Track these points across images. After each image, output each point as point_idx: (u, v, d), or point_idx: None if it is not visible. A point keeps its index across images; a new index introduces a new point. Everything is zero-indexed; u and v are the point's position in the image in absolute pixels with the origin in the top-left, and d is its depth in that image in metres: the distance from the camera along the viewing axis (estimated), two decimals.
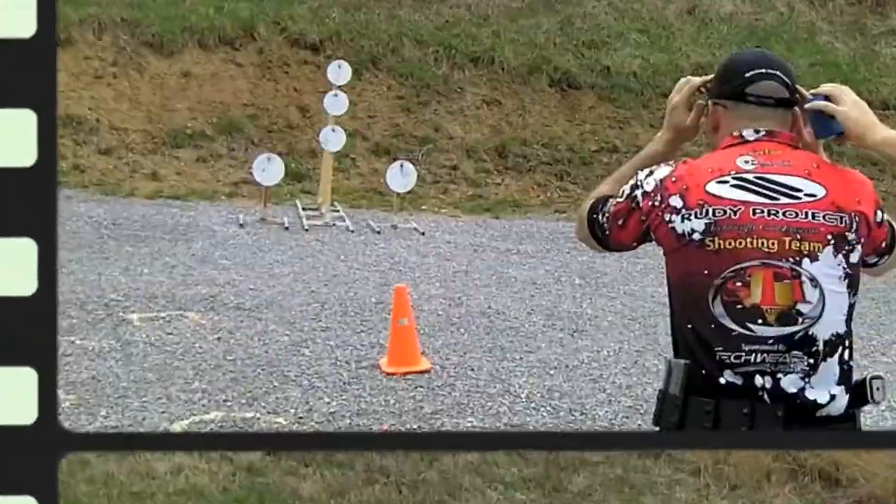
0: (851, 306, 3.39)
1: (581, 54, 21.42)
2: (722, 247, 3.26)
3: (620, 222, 3.51)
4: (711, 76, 3.69)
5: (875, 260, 3.51)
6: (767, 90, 3.46)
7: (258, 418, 7.65)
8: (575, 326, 10.61)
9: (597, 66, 21.23)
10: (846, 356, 3.37)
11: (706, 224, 3.27)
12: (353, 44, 20.44)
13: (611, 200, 3.57)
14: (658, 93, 20.57)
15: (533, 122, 20.07)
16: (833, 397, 3.30)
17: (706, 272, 3.28)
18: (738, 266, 3.26)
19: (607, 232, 3.59)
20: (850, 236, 3.32)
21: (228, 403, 7.87)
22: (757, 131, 3.43)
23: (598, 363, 9.42)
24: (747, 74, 3.47)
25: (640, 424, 7.95)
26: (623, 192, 3.53)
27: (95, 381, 8.16)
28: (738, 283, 3.25)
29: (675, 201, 3.34)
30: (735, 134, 3.45)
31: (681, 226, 3.31)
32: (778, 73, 3.49)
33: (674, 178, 3.38)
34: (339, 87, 16.25)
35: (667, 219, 3.34)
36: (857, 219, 3.34)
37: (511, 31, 21.75)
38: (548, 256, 14.14)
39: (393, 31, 21.01)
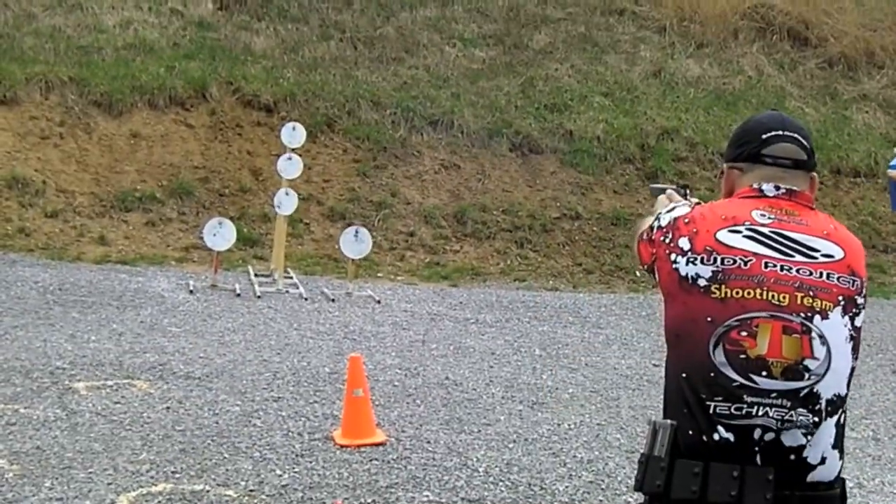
0: (852, 370, 3.35)
1: (543, 117, 21.45)
2: (728, 295, 3.23)
3: (645, 237, 3.64)
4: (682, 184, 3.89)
5: None
6: (784, 152, 3.45)
7: (208, 491, 7.40)
8: (535, 398, 10.43)
9: (559, 129, 21.26)
10: (842, 420, 3.33)
11: (713, 271, 3.26)
12: (307, 105, 20.38)
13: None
14: (622, 158, 20.65)
15: (493, 186, 20.00)
16: (824, 460, 3.24)
17: (709, 319, 3.24)
18: (744, 315, 3.22)
19: (641, 238, 3.70)
20: (860, 300, 3.32)
21: (177, 475, 7.62)
22: (777, 188, 3.42)
23: (558, 436, 9.25)
24: (764, 136, 3.46)
25: (600, 500, 7.76)
26: (652, 218, 3.66)
27: (40, 451, 7.92)
28: (744, 333, 3.21)
29: (684, 243, 3.37)
30: (754, 187, 3.44)
31: (685, 269, 3.32)
32: (796, 135, 3.48)
33: (687, 220, 3.43)
34: (294, 150, 16.10)
35: (672, 258, 3.38)
36: (864, 285, 3.35)
37: (471, 93, 21.79)
38: (507, 326, 13.98)
39: (349, 92, 20.97)
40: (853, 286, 3.29)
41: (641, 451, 3.41)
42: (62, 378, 9.91)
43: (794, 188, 3.42)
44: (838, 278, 3.26)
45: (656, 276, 3.49)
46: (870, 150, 22.72)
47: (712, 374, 3.20)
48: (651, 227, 3.57)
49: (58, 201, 17.70)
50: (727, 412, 3.18)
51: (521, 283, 17.46)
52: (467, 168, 20.33)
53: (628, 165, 20.91)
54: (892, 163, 3.42)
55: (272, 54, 22.18)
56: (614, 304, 16.24)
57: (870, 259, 19.53)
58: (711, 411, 3.20)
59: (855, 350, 3.33)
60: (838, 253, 3.30)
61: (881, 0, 28.56)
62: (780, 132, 3.45)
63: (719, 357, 3.20)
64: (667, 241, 3.43)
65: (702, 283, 3.26)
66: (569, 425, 9.60)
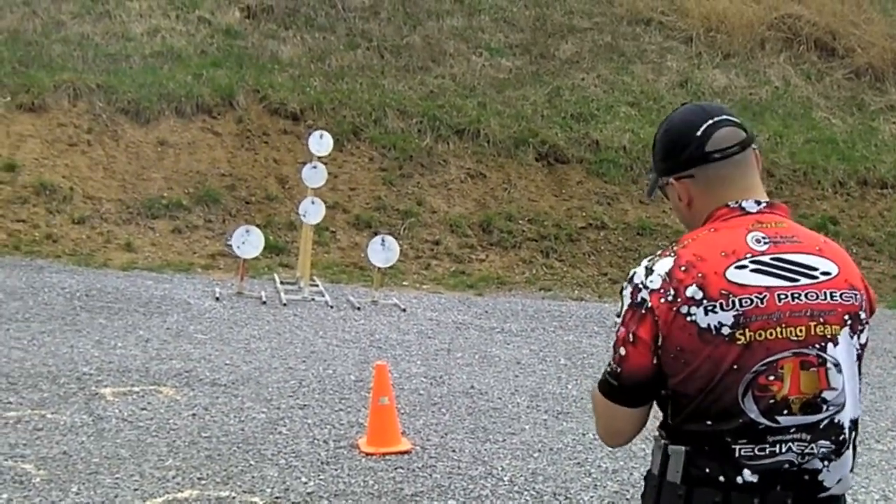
0: (860, 391, 3.26)
1: (569, 127, 21.44)
2: (753, 339, 3.04)
3: (632, 339, 3.15)
4: None
5: None
6: (727, 139, 3.24)
7: (234, 497, 7.41)
8: (560, 408, 10.42)
9: (585, 139, 21.26)
10: (856, 440, 3.25)
11: (735, 316, 3.03)
12: (334, 113, 20.43)
13: (614, 341, 3.22)
14: (648, 168, 20.56)
15: (518, 196, 19.99)
16: (839, 481, 3.17)
17: (735, 367, 3.04)
18: (770, 359, 3.05)
19: (619, 369, 3.18)
20: (863, 315, 3.21)
21: (203, 482, 7.64)
22: (758, 202, 3.23)
23: (583, 446, 9.23)
24: (698, 133, 3.24)
25: None
26: (621, 308, 3.21)
27: (67, 456, 7.94)
28: (771, 377, 3.06)
29: (694, 292, 3.05)
30: (732, 206, 3.22)
31: (705, 319, 3.04)
32: (724, 116, 3.28)
33: (683, 267, 3.10)
34: (320, 158, 16.12)
35: (684, 312, 3.05)
36: (864, 297, 3.24)
37: (497, 102, 21.80)
38: (532, 335, 13.96)
39: (376, 101, 21.01)
40: (855, 300, 3.17)
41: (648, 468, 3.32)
42: (89, 384, 9.94)
43: (774, 201, 3.26)
44: (841, 295, 3.14)
45: (665, 344, 3.11)
46: None
47: (741, 421, 3.07)
48: (638, 305, 3.15)
49: (85, 208, 17.76)
50: (751, 454, 3.07)
51: (546, 293, 17.44)
52: (493, 177, 20.33)
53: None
54: None
55: (299, 63, 22.23)
56: None
57: None
58: (737, 455, 3.08)
59: (860, 368, 3.24)
60: (834, 269, 3.17)
61: None
62: (711, 120, 3.24)
63: (749, 404, 3.05)
64: (670, 299, 3.07)
65: (725, 331, 3.03)
66: (593, 435, 9.52)
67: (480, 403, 10.34)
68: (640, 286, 3.14)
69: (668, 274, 3.10)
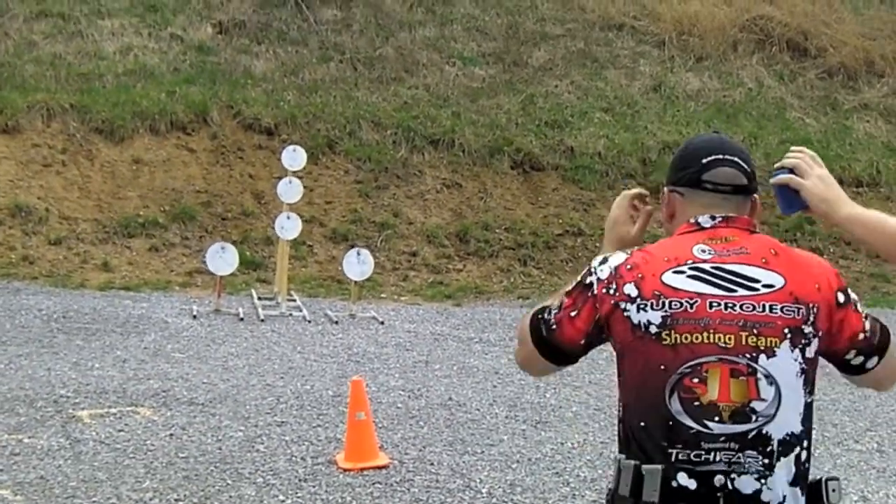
0: (808, 406, 3.28)
1: (543, 134, 21.48)
2: (679, 341, 3.16)
3: (573, 314, 3.36)
4: (642, 191, 3.81)
5: (861, 360, 3.37)
6: (724, 177, 3.38)
7: None
8: (538, 417, 10.43)
9: (560, 146, 21.30)
10: (803, 457, 3.26)
11: (662, 317, 3.18)
12: (308, 127, 20.43)
13: (561, 299, 3.42)
14: (623, 173, 20.65)
15: (495, 205, 20.03)
16: (785, 498, 3.19)
17: (662, 367, 3.17)
18: (694, 361, 3.15)
19: (553, 327, 3.38)
20: (807, 329, 3.23)
21: (180, 503, 7.65)
22: (713, 217, 3.36)
23: (561, 456, 9.25)
24: (704, 161, 3.40)
25: None
26: (575, 281, 3.42)
27: (44, 480, 7.93)
28: (696, 380, 3.15)
29: (630, 289, 3.24)
30: (691, 221, 3.37)
31: (636, 316, 3.21)
32: (735, 158, 3.41)
33: (629, 266, 3.29)
34: (295, 172, 16.13)
35: (622, 307, 3.23)
36: (814, 310, 3.25)
37: (471, 111, 21.82)
38: (511, 344, 13.78)
39: (350, 113, 21.01)
40: (798, 315, 3.20)
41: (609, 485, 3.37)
42: (66, 406, 9.92)
43: (731, 214, 3.36)
44: (781, 308, 3.18)
45: (606, 334, 3.32)
46: (872, 160, 22.74)
47: (671, 423, 3.15)
48: (586, 286, 3.36)
49: (61, 228, 17.73)
50: (687, 458, 3.13)
51: (524, 301, 17.43)
52: (469, 187, 20.35)
53: (630, 180, 20.89)
54: (773, 173, 3.48)
55: (272, 77, 22.22)
56: None
57: (874, 269, 19.53)
58: (674, 458, 3.14)
59: (808, 384, 3.25)
60: (778, 281, 3.21)
61: (880, 9, 28.61)
62: (720, 156, 3.39)
63: (675, 405, 3.14)
64: (611, 292, 3.27)
65: (653, 329, 3.17)
66: (572, 444, 9.60)
67: (458, 415, 10.35)
68: (593, 271, 3.36)
69: (616, 269, 3.30)
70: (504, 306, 17.01)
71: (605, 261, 3.37)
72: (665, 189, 3.53)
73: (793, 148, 3.50)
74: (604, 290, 3.28)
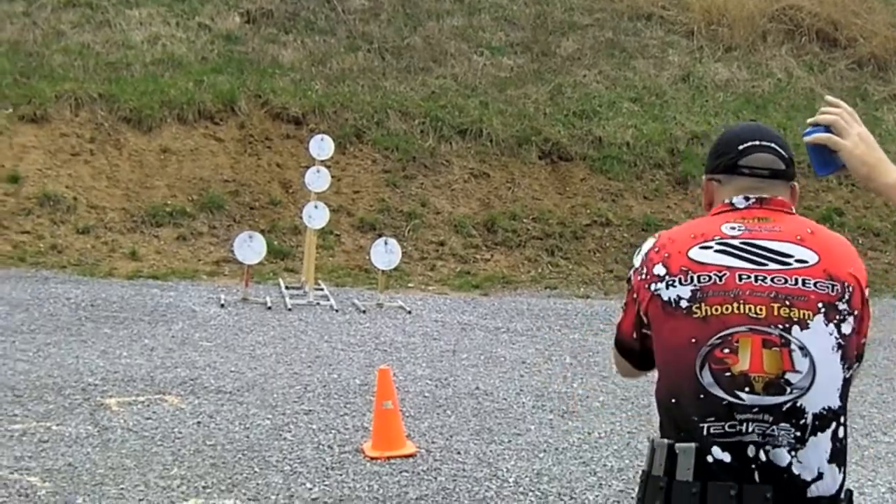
0: (846, 381, 3.24)
1: (571, 124, 21.43)
2: (709, 313, 3.17)
3: (624, 307, 3.51)
4: None
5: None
6: (761, 162, 3.38)
7: None
8: (565, 407, 10.41)
9: (588, 136, 21.24)
10: (840, 433, 3.22)
11: (692, 291, 3.20)
12: (336, 117, 20.43)
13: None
14: (651, 163, 20.58)
15: (522, 195, 19.99)
16: (821, 475, 3.16)
17: (693, 340, 3.18)
18: (725, 332, 3.15)
19: (617, 325, 3.54)
20: (841, 306, 3.20)
21: (208, 490, 7.64)
22: (747, 198, 3.37)
23: (588, 445, 9.22)
24: (740, 147, 3.41)
25: None
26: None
27: (72, 468, 7.94)
28: (727, 350, 3.14)
29: (659, 269, 3.29)
30: (725, 202, 3.39)
31: (666, 293, 3.26)
32: (772, 144, 3.41)
33: (657, 249, 3.36)
34: (322, 162, 16.13)
35: (653, 288, 3.29)
36: (850, 288, 3.22)
37: (499, 101, 21.79)
38: (538, 334, 13.96)
39: (377, 103, 21.00)
40: (833, 291, 3.17)
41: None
42: (94, 394, 9.94)
43: (765, 196, 3.35)
44: (815, 284, 3.17)
45: (645, 318, 3.37)
46: None
47: (702, 396, 3.14)
48: (627, 280, 3.49)
49: (89, 217, 17.78)
50: (721, 431, 3.12)
51: (551, 291, 17.44)
52: (497, 176, 20.33)
53: (658, 171, 20.87)
54: (806, 130, 3.37)
55: (300, 67, 22.22)
56: None
57: None
58: (706, 432, 3.13)
59: (846, 359, 3.21)
60: (812, 258, 3.20)
61: None
62: (757, 142, 3.39)
63: (707, 378, 3.14)
64: (643, 276, 3.35)
65: (683, 304, 3.20)
66: (599, 434, 9.58)
67: (486, 404, 10.34)
68: (633, 265, 3.46)
69: (646, 255, 3.38)
70: (531, 296, 17.00)
71: (639, 252, 3.45)
72: (704, 178, 3.55)
73: (828, 99, 3.39)
74: (639, 279, 3.36)
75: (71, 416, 9.26)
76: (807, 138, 3.30)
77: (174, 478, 7.84)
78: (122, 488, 7.56)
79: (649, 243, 3.41)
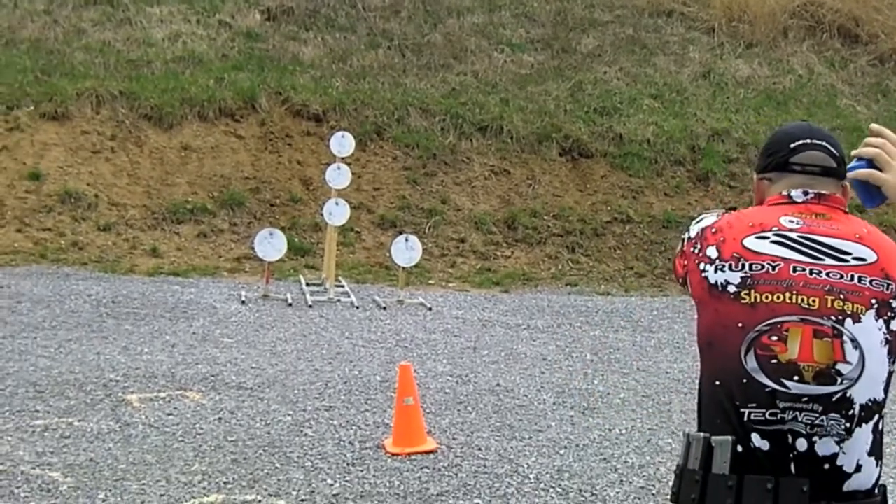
0: (890, 374, 3.27)
1: (592, 121, 21.39)
2: (758, 300, 3.20)
3: (678, 255, 3.60)
4: None
5: None
6: (813, 159, 3.40)
7: (259, 501, 7.43)
8: (586, 404, 10.41)
9: (609, 133, 21.20)
10: (880, 426, 3.26)
11: (742, 277, 3.23)
12: (357, 114, 20.42)
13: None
14: (672, 160, 20.53)
15: (543, 192, 19.97)
16: (860, 467, 3.19)
17: (740, 325, 3.20)
18: (774, 320, 3.18)
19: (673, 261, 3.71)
20: (895, 304, 3.22)
21: (229, 486, 7.65)
22: (806, 193, 3.38)
23: (609, 442, 9.22)
24: (792, 145, 3.43)
25: None
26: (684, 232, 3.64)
27: (94, 463, 7.96)
28: (775, 338, 3.17)
29: (711, 252, 3.33)
30: (783, 193, 3.41)
31: (714, 276, 3.30)
32: (824, 143, 3.43)
33: (714, 229, 3.40)
34: (343, 159, 16.13)
35: (701, 268, 3.34)
36: None
37: (520, 98, 21.76)
38: (559, 331, 13.95)
39: (398, 100, 20.99)
40: (887, 290, 3.20)
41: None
42: (115, 390, 9.96)
43: (824, 192, 3.36)
44: (871, 281, 3.19)
45: (689, 287, 3.46)
46: None
47: (745, 381, 3.16)
48: (682, 240, 3.56)
49: (110, 214, 17.82)
50: (762, 418, 3.14)
51: (572, 288, 17.42)
52: (517, 173, 20.31)
53: (679, 168, 20.82)
54: (850, 164, 3.37)
55: (320, 64, 22.23)
56: (666, 307, 16.18)
57: None
58: (746, 418, 3.15)
59: (892, 354, 3.24)
60: (871, 256, 3.23)
61: None
62: (808, 140, 3.41)
63: (751, 363, 3.15)
64: (696, 251, 3.40)
65: (731, 289, 3.23)
66: (620, 430, 9.57)
67: (506, 401, 10.33)
68: (689, 227, 3.58)
69: (703, 230, 3.45)
70: (552, 293, 16.99)
71: (697, 222, 3.54)
72: (755, 177, 3.58)
73: (872, 127, 3.39)
74: (691, 249, 3.44)
75: (92, 411, 9.29)
76: (849, 174, 3.31)
77: (195, 473, 7.86)
78: (144, 484, 7.58)
79: (710, 220, 3.48)
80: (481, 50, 23.58)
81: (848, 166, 3.33)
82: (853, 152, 3.37)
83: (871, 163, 3.27)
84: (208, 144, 19.44)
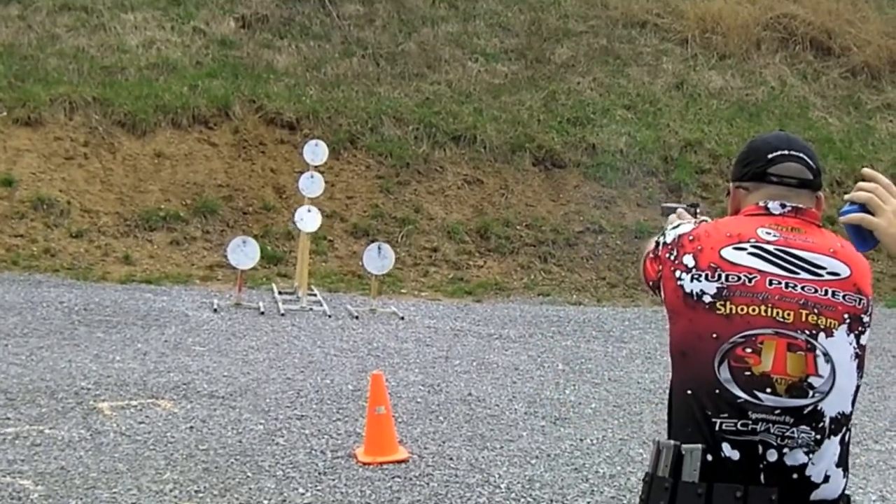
0: (857, 388, 3.34)
1: (565, 131, 21.44)
2: (734, 311, 3.24)
3: (650, 255, 3.64)
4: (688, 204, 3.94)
5: None
6: (790, 171, 3.45)
7: None
8: (557, 414, 10.43)
9: (582, 143, 21.26)
10: (846, 438, 3.33)
11: (717, 288, 3.27)
12: (330, 122, 20.43)
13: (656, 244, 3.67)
14: (645, 171, 20.59)
15: (516, 201, 20.00)
16: (828, 478, 3.25)
17: (714, 335, 3.25)
18: (749, 332, 3.22)
19: (643, 259, 3.72)
20: (865, 319, 3.30)
21: (200, 494, 7.65)
22: (783, 206, 3.42)
23: (580, 452, 9.24)
24: (770, 156, 3.47)
25: None
26: (657, 236, 3.67)
27: (65, 471, 7.95)
28: (749, 350, 3.21)
29: (688, 260, 3.37)
30: (760, 204, 3.45)
31: (689, 285, 3.33)
32: (801, 154, 3.48)
33: (691, 237, 3.43)
34: (316, 167, 16.13)
35: (677, 275, 3.37)
36: (871, 304, 3.34)
37: (493, 108, 21.80)
38: (531, 341, 13.97)
39: (372, 108, 21.00)
40: (859, 304, 3.27)
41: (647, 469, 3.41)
42: (87, 398, 9.95)
43: (801, 206, 3.41)
44: (844, 296, 3.25)
45: (661, 293, 3.48)
46: (895, 160, 22.63)
47: (717, 391, 3.20)
48: (657, 244, 3.59)
49: (83, 221, 17.78)
50: (733, 428, 3.18)
51: (544, 298, 17.46)
52: (490, 183, 20.33)
53: (651, 178, 20.88)
54: (843, 209, 3.38)
55: (294, 72, 22.22)
56: (638, 317, 16.22)
57: (895, 269, 19.45)
58: (717, 428, 3.20)
59: (860, 368, 3.31)
60: (844, 271, 3.29)
61: None
62: (786, 152, 3.45)
63: (724, 374, 3.20)
64: (672, 257, 3.43)
65: (707, 299, 3.26)
66: (591, 441, 9.59)
67: (478, 411, 10.35)
68: (662, 235, 3.60)
69: (679, 237, 3.47)
70: (524, 303, 17.03)
71: (677, 226, 3.58)
72: (730, 186, 3.62)
73: (864, 172, 3.30)
74: (666, 255, 3.47)
75: (64, 419, 9.27)
76: (842, 218, 3.34)
77: (167, 482, 7.85)
78: (115, 492, 7.58)
79: (686, 227, 3.52)
80: (455, 59, 23.61)
81: (840, 210, 3.35)
82: (846, 196, 3.38)
83: (863, 207, 3.28)
84: (181, 152, 19.41)
